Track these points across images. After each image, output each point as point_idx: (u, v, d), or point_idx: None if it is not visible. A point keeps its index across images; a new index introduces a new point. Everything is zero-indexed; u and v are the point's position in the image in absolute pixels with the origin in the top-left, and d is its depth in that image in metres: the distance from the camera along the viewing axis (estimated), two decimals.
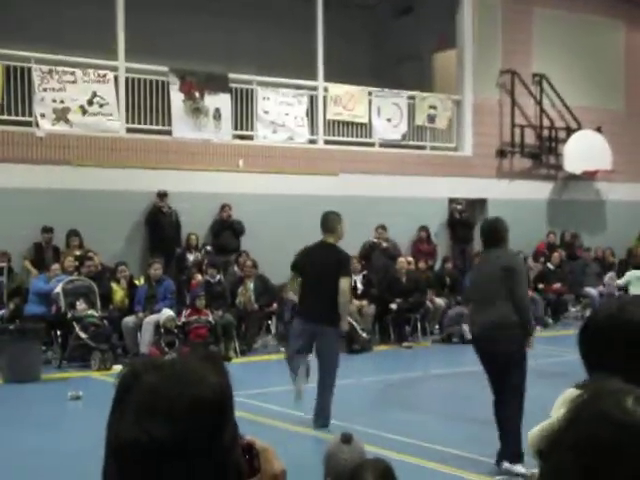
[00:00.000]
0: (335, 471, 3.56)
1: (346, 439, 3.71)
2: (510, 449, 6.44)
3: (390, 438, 7.42)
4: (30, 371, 10.49)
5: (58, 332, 11.72)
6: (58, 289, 11.83)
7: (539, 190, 18.26)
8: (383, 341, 13.88)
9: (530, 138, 18.11)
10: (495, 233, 6.83)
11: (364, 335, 13.19)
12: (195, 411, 1.22)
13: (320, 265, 7.96)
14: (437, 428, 8.18)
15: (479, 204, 17.80)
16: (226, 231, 14.43)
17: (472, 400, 8.80)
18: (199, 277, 13.33)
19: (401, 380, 10.85)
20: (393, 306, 13.87)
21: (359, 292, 14.00)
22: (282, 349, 13.14)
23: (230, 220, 14.46)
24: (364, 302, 13.82)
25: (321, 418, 7.88)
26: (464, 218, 16.97)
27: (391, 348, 13.42)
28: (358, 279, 14.16)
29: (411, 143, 17.05)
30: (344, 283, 7.86)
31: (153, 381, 1.23)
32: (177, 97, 14.50)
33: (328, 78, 16.04)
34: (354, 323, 13.24)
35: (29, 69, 13.31)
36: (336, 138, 16.18)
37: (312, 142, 15.95)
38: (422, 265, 15.40)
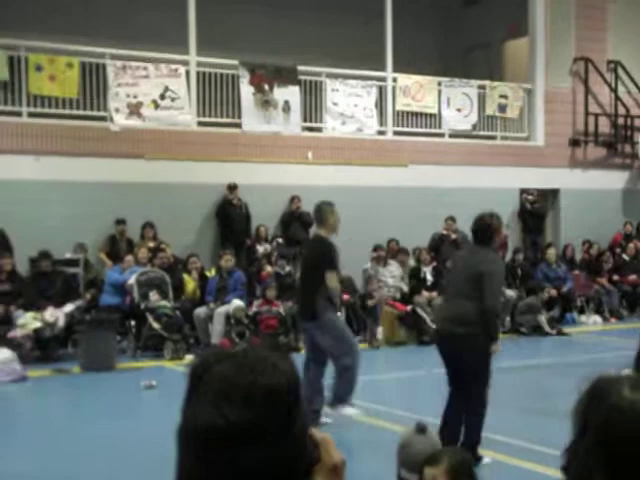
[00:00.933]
0: (409, 461, 3.56)
1: (421, 429, 3.70)
2: None
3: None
4: (106, 360, 10.75)
5: (132, 322, 11.98)
6: (132, 280, 12.08)
7: (614, 180, 17.85)
8: None
9: (604, 126, 17.70)
10: (486, 231, 6.52)
11: (434, 327, 13.09)
12: (271, 398, 1.25)
13: (305, 259, 7.83)
14: (513, 422, 8.04)
15: (551, 194, 17.50)
16: (295, 223, 14.51)
17: (547, 393, 8.67)
18: (269, 268, 13.45)
19: None
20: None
21: (429, 284, 13.92)
22: None
23: (299, 212, 14.54)
24: (434, 294, 13.73)
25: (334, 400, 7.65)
26: (535, 209, 16.70)
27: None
28: (428, 271, 14.08)
29: (481, 133, 16.84)
30: (329, 278, 7.38)
31: (227, 370, 1.26)
32: (247, 90, 14.62)
33: (397, 69, 15.96)
34: (423, 314, 13.19)
35: (104, 65, 13.60)
36: (405, 129, 16.10)
37: (381, 133, 15.89)
38: None
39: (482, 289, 6.23)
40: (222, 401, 1.23)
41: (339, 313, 8.15)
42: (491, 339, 6.38)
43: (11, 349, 10.55)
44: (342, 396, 7.63)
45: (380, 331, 13.01)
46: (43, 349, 11.24)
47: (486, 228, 6.55)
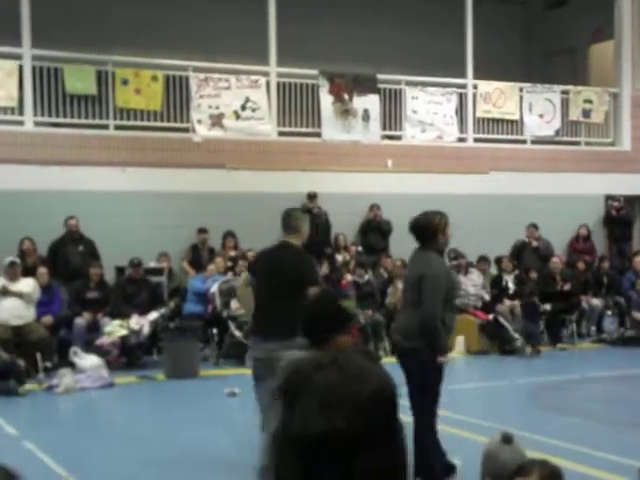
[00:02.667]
0: (495, 471, 3.52)
1: (507, 439, 3.64)
2: None
3: (547, 442, 7.19)
4: (189, 367, 10.93)
5: (214, 330, 12.15)
6: (214, 289, 12.27)
7: None
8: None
9: None
10: (424, 230, 5.95)
11: (516, 336, 12.91)
12: (377, 405, 1.27)
13: (278, 271, 6.35)
14: (601, 434, 7.83)
15: (638, 201, 17.02)
16: (374, 231, 14.50)
17: (636, 405, 8.43)
18: (349, 277, 13.47)
19: (556, 383, 10.53)
20: (547, 307, 13.51)
21: (511, 292, 13.71)
22: None
23: (377, 220, 14.52)
24: (516, 302, 13.52)
25: None
26: (622, 216, 16.28)
27: (545, 350, 13.06)
28: (509, 279, 13.87)
29: (564, 139, 16.53)
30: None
31: (331, 378, 1.28)
32: (326, 99, 14.70)
33: (477, 75, 15.81)
34: (506, 323, 12.99)
35: (187, 78, 13.89)
36: (486, 136, 15.92)
37: (461, 140, 15.76)
38: (581, 265, 14.91)
39: (421, 294, 5.81)
40: (331, 410, 1.25)
41: None
42: (434, 350, 5.78)
43: (99, 356, 10.84)
44: None
45: (460, 340, 12.88)
46: (129, 356, 11.51)
47: (425, 227, 5.96)
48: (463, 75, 15.75)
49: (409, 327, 5.89)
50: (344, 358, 1.33)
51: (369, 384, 1.28)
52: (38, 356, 10.63)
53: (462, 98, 15.73)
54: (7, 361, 10.02)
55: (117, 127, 13.48)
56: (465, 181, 15.31)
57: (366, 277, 13.37)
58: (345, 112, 14.75)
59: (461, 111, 15.71)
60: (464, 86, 15.79)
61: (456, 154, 15.46)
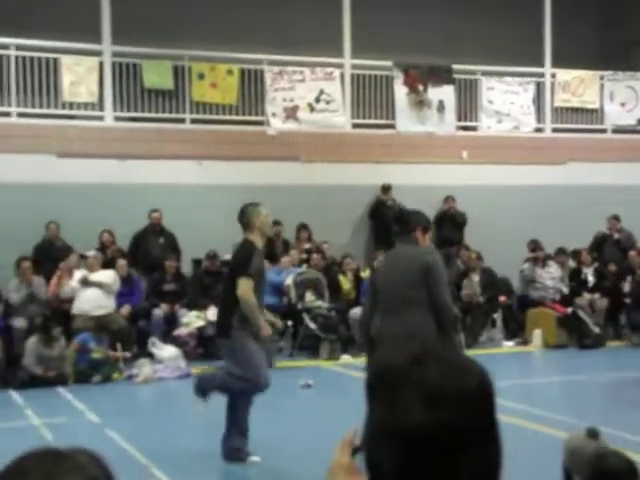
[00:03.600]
0: (581, 467, 3.45)
1: (593, 434, 3.58)
2: None
3: (631, 440, 7.01)
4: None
5: (289, 322, 12.23)
6: (289, 281, 12.35)
7: None
8: (617, 337, 13.22)
9: None
10: (407, 223, 5.81)
11: (596, 330, 12.63)
12: (480, 399, 1.28)
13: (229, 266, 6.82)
14: None
15: None
16: (448, 223, 14.36)
17: None
18: None
19: (638, 378, 10.26)
20: (627, 300, 13.17)
21: (590, 285, 13.42)
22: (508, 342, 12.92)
23: (452, 212, 14.38)
24: (596, 295, 13.22)
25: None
26: None
27: (625, 344, 12.74)
28: (589, 272, 13.58)
29: None
30: (240, 285, 6.42)
31: (433, 372, 1.28)
32: (401, 91, 14.62)
33: (555, 64, 15.49)
34: (585, 317, 12.71)
35: (262, 71, 13.98)
36: (564, 125, 15.60)
37: (539, 130, 15.48)
38: None
39: (430, 285, 5.46)
40: (434, 403, 1.25)
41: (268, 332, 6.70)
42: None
43: (176, 346, 11.03)
44: (203, 386, 6.80)
45: (538, 334, 12.67)
46: (205, 347, 11.67)
47: (407, 221, 5.85)
48: (541, 64, 15.46)
49: (427, 328, 5.38)
50: (438, 351, 1.33)
51: (473, 378, 1.28)
52: (118, 346, 10.87)
53: (540, 87, 15.45)
54: (101, 353, 10.36)
55: (193, 121, 13.68)
56: (542, 172, 15.03)
57: None
58: (420, 103, 14.64)
59: (538, 100, 15.42)
60: (542, 75, 15.49)
61: (533, 144, 15.19)
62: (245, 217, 6.96)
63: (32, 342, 10.10)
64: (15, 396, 9.48)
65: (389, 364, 1.32)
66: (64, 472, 1.28)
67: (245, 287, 6.44)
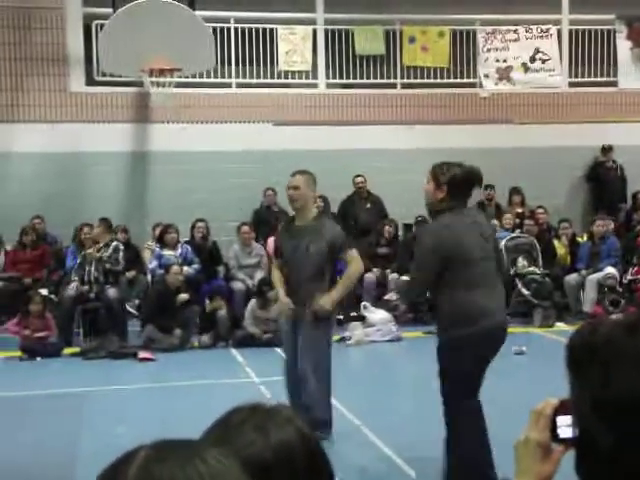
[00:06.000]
0: None
1: None
2: None
3: None
4: None
5: None
6: (501, 246, 12.08)
7: None
8: None
9: None
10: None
11: None
12: None
13: None
14: None
15: None
16: None
17: None
18: None
19: None
20: None
21: None
22: None
23: None
24: None
25: None
26: None
27: None
28: None
29: None
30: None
31: None
32: (624, 45, 13.78)
33: None
34: None
35: (474, 32, 13.68)
36: None
37: None
38: None
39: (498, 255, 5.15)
40: None
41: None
42: None
43: (387, 311, 11.16)
44: None
45: None
46: (415, 312, 11.71)
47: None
48: None
49: (503, 302, 5.07)
50: None
51: None
52: None
53: None
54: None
55: (404, 86, 13.66)
56: None
57: None
58: None
59: None
60: None
61: None
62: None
63: (250, 304, 10.61)
64: (235, 353, 10.02)
65: (604, 332, 1.25)
66: (276, 425, 1.35)
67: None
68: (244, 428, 1.34)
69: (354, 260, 6.21)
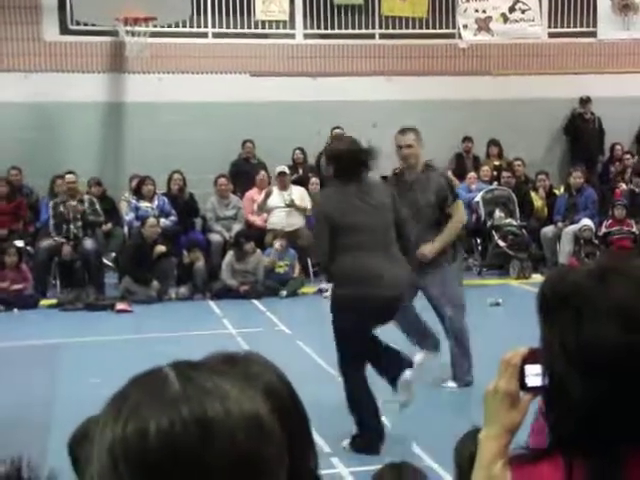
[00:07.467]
0: None
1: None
2: None
3: None
4: None
5: (478, 240, 12.06)
6: (478, 198, 12.11)
7: None
8: None
9: None
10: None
11: None
12: None
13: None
14: None
15: None
16: None
17: None
18: (623, 186, 12.69)
19: None
20: None
21: None
22: None
23: None
24: None
25: None
26: None
27: None
28: None
29: None
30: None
31: (628, 289, 1.21)
32: None
33: None
34: None
35: None
36: None
37: None
38: None
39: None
40: (629, 321, 1.18)
41: None
42: None
43: None
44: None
45: None
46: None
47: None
48: None
49: (399, 271, 5.30)
50: (622, 268, 1.23)
51: None
52: (308, 261, 11.17)
53: None
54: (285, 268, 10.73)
55: (382, 36, 13.52)
56: None
57: None
58: (625, 7, 13.64)
59: None
60: None
61: None
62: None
63: (228, 256, 10.60)
64: (212, 305, 10.04)
65: (575, 280, 1.25)
66: (259, 371, 1.35)
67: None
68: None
69: (458, 211, 6.51)
